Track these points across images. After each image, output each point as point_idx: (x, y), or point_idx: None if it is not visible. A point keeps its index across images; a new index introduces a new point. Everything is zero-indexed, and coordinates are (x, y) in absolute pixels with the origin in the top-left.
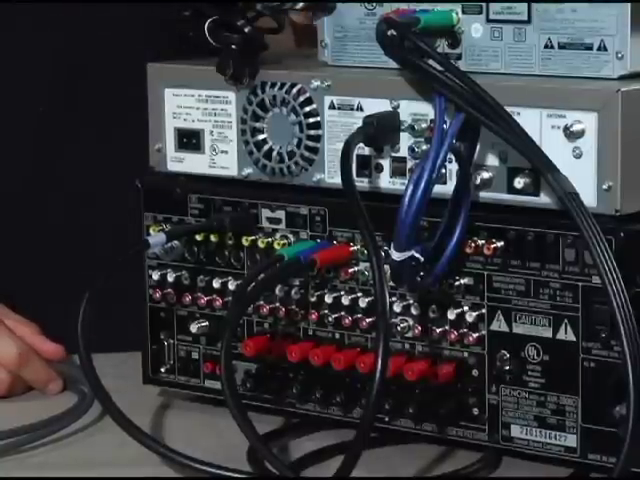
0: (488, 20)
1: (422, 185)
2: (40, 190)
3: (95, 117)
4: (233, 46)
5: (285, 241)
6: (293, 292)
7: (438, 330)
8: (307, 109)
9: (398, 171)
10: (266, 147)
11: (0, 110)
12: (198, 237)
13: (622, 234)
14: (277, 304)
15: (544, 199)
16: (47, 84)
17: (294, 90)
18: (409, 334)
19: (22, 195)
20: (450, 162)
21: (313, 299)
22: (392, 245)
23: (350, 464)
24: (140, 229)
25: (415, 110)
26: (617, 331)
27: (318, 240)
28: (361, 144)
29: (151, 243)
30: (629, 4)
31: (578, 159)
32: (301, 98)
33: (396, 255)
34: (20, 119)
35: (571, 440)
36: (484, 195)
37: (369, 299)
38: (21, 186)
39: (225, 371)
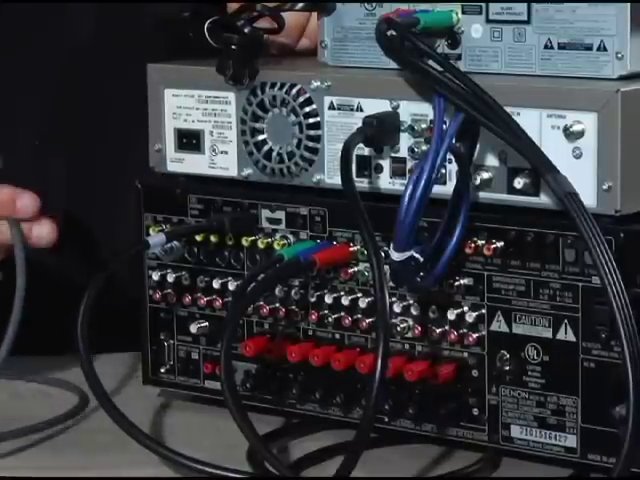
0: (488, 20)
1: (422, 185)
2: (41, 190)
3: (95, 117)
4: (233, 47)
5: (285, 241)
6: (293, 292)
7: (438, 330)
8: (307, 109)
9: (398, 171)
10: (266, 147)
11: (5, 108)
12: (198, 237)
13: (622, 234)
14: (277, 304)
15: (544, 199)
16: (52, 85)
17: (294, 90)
18: (409, 334)
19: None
20: (450, 162)
21: (313, 299)
22: (392, 245)
23: (350, 464)
24: (140, 229)
25: (415, 110)
26: (617, 331)
27: (318, 240)
28: (361, 144)
29: (151, 243)
30: (629, 4)
31: (578, 159)
32: (301, 98)
33: (396, 255)
34: (23, 119)
35: (571, 440)
36: (484, 195)
37: (369, 299)
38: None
39: (225, 371)
